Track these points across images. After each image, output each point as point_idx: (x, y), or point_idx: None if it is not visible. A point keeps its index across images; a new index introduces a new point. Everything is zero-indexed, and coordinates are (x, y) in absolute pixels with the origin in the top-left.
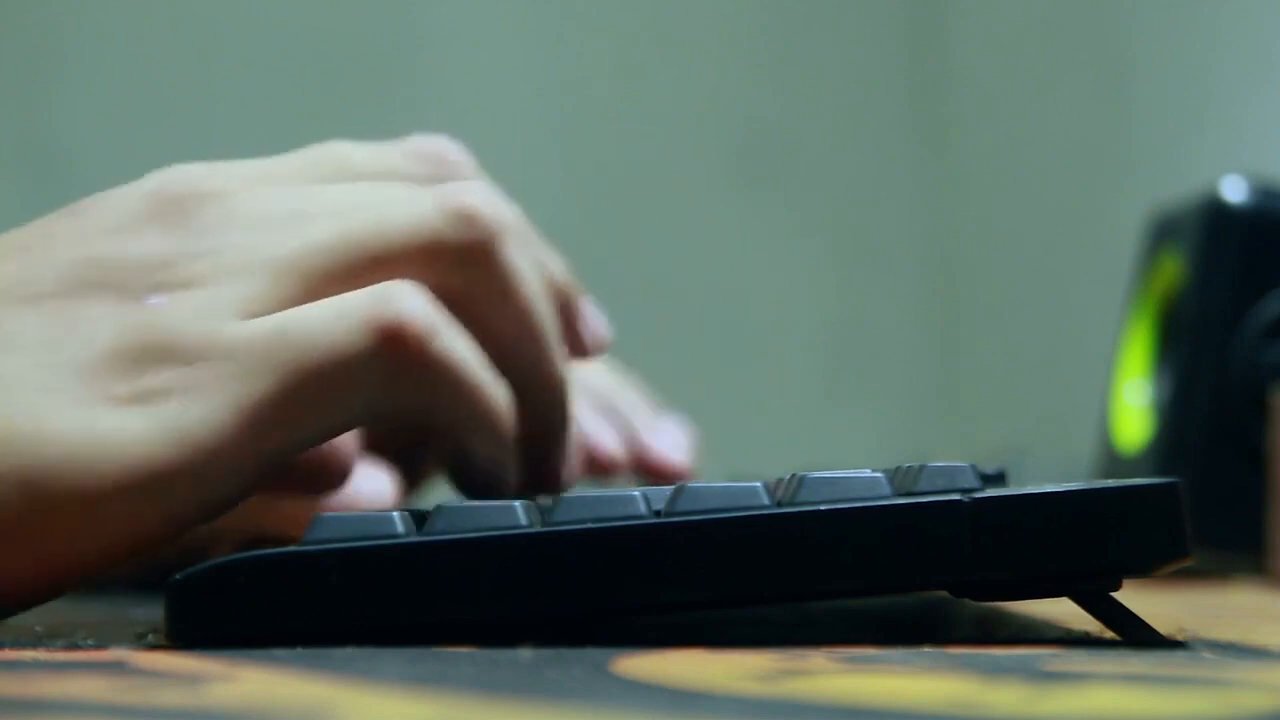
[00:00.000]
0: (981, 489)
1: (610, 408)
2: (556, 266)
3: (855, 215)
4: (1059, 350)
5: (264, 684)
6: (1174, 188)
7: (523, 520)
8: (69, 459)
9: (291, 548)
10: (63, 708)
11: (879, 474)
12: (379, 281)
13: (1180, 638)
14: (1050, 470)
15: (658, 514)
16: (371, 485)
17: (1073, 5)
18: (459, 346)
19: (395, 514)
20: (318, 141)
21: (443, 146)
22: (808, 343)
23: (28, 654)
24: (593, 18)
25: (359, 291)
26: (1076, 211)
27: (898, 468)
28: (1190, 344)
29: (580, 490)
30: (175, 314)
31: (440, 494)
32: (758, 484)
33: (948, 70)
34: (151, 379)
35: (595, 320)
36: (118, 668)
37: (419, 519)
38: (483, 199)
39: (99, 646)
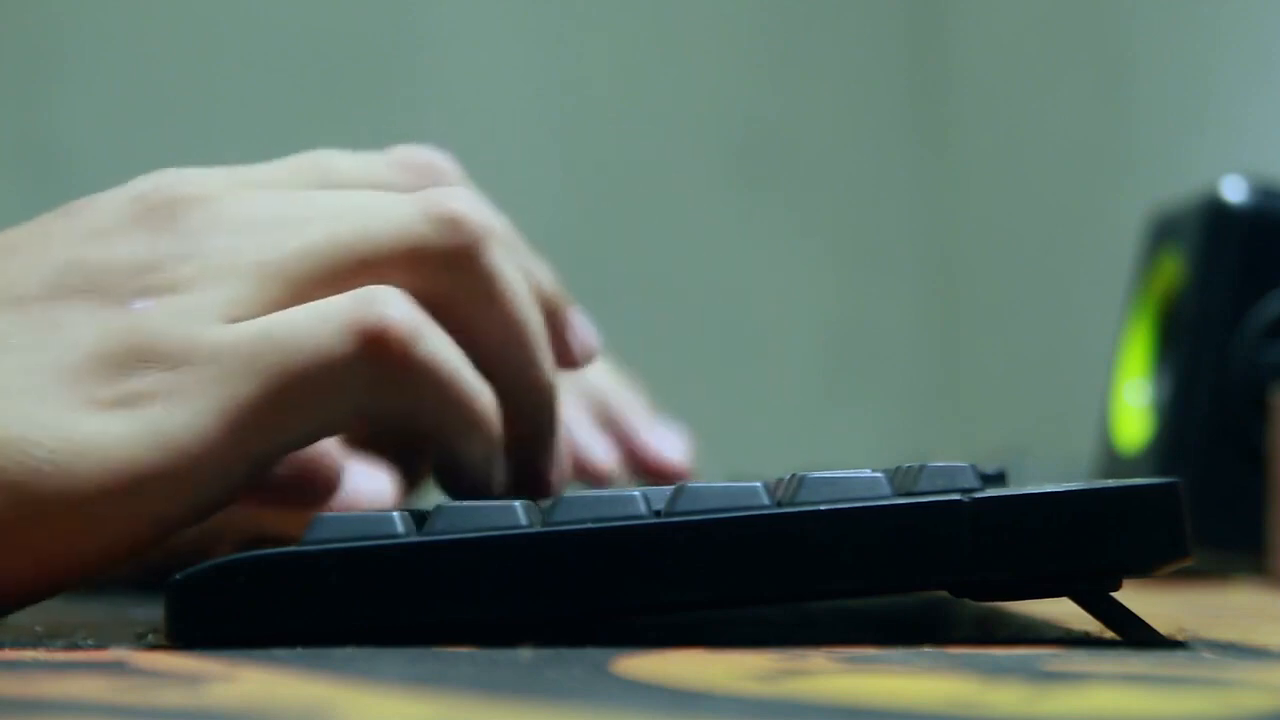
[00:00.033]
0: (981, 489)
1: (607, 409)
2: (544, 276)
3: (855, 215)
4: (1059, 350)
5: (264, 684)
6: (1174, 188)
7: (523, 520)
8: (53, 462)
9: (291, 548)
10: (63, 708)
11: (879, 474)
12: (364, 286)
13: (1180, 638)
14: (1050, 470)
15: (658, 514)
16: (371, 485)
17: (1073, 5)
18: (443, 350)
19: (395, 514)
20: (318, 143)
21: (429, 156)
22: (808, 343)
23: (28, 654)
24: (593, 18)
25: (341, 295)
26: (1076, 211)
27: (898, 468)
28: (1190, 344)
29: (580, 490)
30: (159, 317)
31: (440, 494)
32: (758, 484)
33: (948, 70)
34: (136, 382)
35: (584, 330)
36: (118, 668)
37: (419, 519)
38: (468, 204)
39: (99, 646)
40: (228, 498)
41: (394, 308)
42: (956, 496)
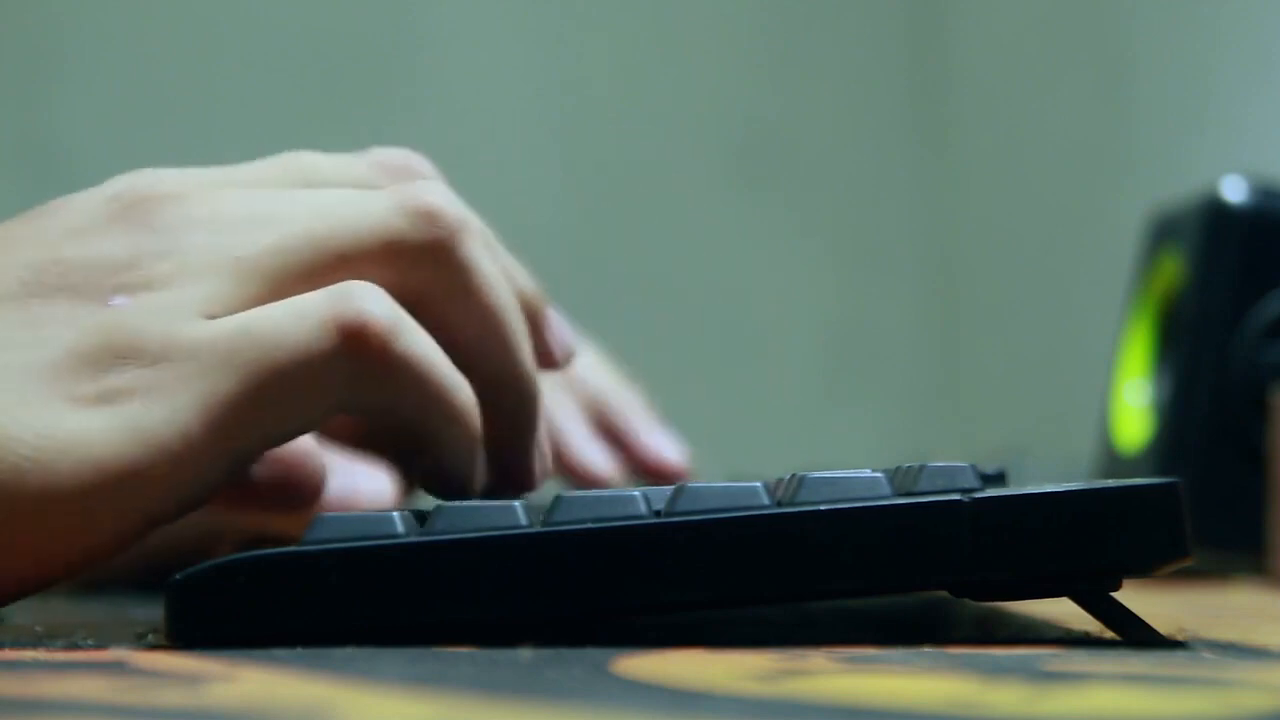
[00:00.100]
0: (981, 489)
1: (606, 409)
2: (521, 275)
3: (855, 215)
4: (1059, 350)
5: (264, 684)
6: (1174, 188)
7: (523, 520)
8: (33, 460)
9: (291, 548)
10: (63, 708)
11: (879, 474)
12: (342, 281)
13: (1180, 638)
14: (1050, 470)
15: (658, 514)
16: (371, 485)
17: (1073, 5)
18: (422, 344)
19: (395, 514)
20: (318, 143)
21: (406, 157)
22: (808, 343)
23: (28, 654)
24: (593, 18)
25: (319, 291)
26: (1076, 211)
27: (898, 468)
28: (1190, 344)
29: (580, 490)
30: (138, 314)
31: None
32: (758, 484)
33: (948, 70)
34: (115, 379)
35: (562, 330)
36: (118, 668)
37: (419, 519)
38: (442, 198)
39: (99, 646)
40: (209, 493)
41: (372, 302)
42: (956, 496)
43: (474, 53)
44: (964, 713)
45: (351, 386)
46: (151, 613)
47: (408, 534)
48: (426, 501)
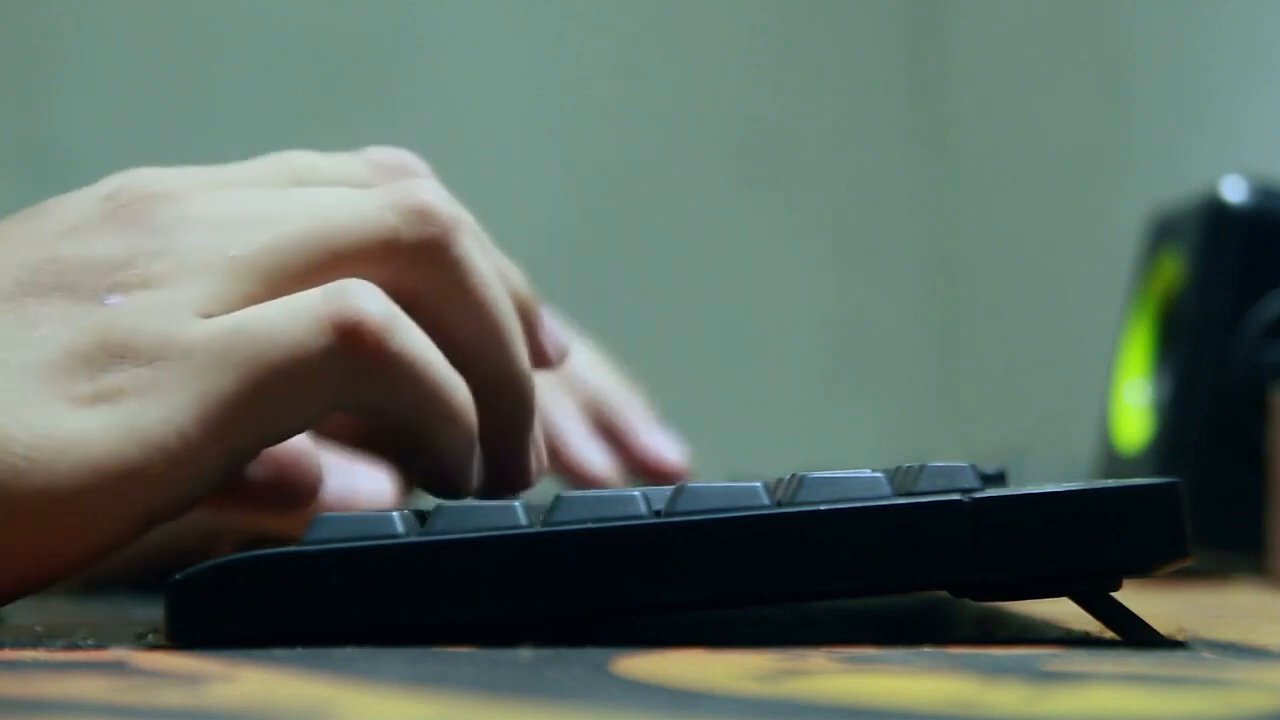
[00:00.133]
0: (981, 489)
1: (605, 409)
2: (515, 275)
3: (855, 215)
4: (1059, 350)
5: (264, 684)
6: (1174, 188)
7: (523, 520)
8: (30, 459)
9: (291, 548)
10: (63, 708)
11: (879, 474)
12: (337, 279)
13: (1180, 638)
14: (1050, 470)
15: (658, 514)
16: (371, 485)
17: (1073, 5)
18: (417, 342)
19: (395, 514)
20: (318, 143)
21: (402, 157)
22: (808, 343)
23: (28, 654)
24: (593, 18)
25: (314, 290)
26: (1076, 211)
27: (898, 468)
28: (1190, 344)
29: (580, 490)
30: (133, 313)
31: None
32: (758, 484)
33: (948, 70)
34: (111, 378)
35: (556, 328)
36: (118, 668)
37: (419, 519)
38: (436, 196)
39: (99, 646)
40: (206, 492)
41: (367, 301)
42: (956, 496)
43: (474, 53)
44: (964, 713)
45: (348, 385)
46: (151, 613)
47: (408, 534)
48: (426, 501)
